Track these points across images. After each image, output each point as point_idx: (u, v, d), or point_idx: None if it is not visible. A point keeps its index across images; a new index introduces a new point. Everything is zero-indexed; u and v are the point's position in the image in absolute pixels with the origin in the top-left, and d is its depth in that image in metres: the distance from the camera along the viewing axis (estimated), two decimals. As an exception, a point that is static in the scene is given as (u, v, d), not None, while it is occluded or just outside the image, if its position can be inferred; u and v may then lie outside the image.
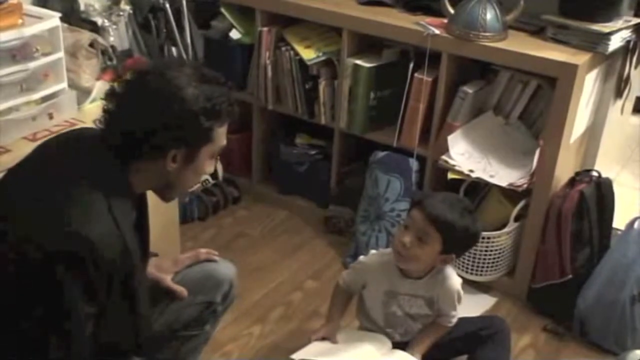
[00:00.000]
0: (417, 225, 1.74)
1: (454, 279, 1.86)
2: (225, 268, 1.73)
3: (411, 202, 1.83)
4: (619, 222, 2.27)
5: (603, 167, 2.44)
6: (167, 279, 1.66)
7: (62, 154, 1.38)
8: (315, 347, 1.84)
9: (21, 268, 1.24)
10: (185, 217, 2.64)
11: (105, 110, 1.36)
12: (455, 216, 1.73)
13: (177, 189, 1.46)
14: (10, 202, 1.32)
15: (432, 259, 1.78)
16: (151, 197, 1.50)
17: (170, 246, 2.28)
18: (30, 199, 1.29)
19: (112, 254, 1.25)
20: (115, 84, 1.37)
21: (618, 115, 2.55)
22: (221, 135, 1.41)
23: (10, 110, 1.95)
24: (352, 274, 1.95)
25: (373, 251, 1.98)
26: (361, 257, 1.97)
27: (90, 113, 2.07)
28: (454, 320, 1.91)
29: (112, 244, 1.25)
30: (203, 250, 1.74)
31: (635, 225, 2.17)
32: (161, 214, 2.12)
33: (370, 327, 1.94)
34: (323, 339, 1.87)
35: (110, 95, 1.36)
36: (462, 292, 1.87)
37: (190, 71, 1.35)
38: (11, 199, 1.33)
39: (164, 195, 1.46)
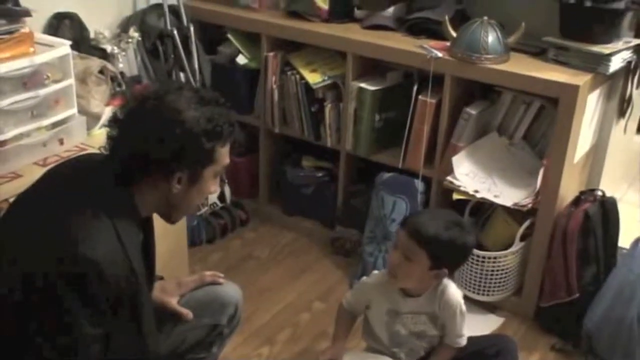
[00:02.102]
0: (403, 244, 1.75)
1: (453, 292, 1.85)
2: (230, 290, 1.74)
3: (400, 222, 1.84)
4: (626, 240, 2.27)
5: (608, 186, 2.45)
6: (173, 302, 1.66)
7: (68, 180, 1.40)
8: None
9: (28, 295, 1.25)
10: (193, 240, 2.67)
11: (109, 137, 1.39)
12: (439, 230, 1.71)
13: (182, 210, 1.47)
14: (17, 231, 1.34)
15: (423, 275, 1.77)
16: (159, 221, 1.52)
17: (178, 269, 2.30)
18: (37, 227, 1.30)
19: (119, 275, 1.27)
20: (118, 110, 1.40)
21: (621, 134, 2.57)
22: (224, 155, 1.43)
23: (21, 136, 1.98)
24: (355, 294, 1.96)
25: (375, 272, 1.99)
26: (364, 278, 1.98)
27: (100, 138, 2.10)
28: (463, 341, 1.90)
29: (119, 266, 1.27)
30: (208, 273, 1.75)
31: (641, 243, 2.18)
32: (170, 237, 2.15)
33: (376, 347, 1.94)
34: None
35: (113, 122, 1.39)
36: (464, 305, 1.86)
37: (189, 94, 1.37)
38: (18, 228, 1.34)
39: (170, 216, 1.47)
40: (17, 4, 2.04)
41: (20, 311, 1.27)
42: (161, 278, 1.70)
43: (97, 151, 1.63)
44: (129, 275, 1.29)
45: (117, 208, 1.33)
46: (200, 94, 1.38)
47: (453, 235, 1.73)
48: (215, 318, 1.70)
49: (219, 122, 1.36)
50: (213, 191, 1.48)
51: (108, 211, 1.30)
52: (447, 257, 1.76)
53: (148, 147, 1.32)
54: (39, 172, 1.95)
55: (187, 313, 1.66)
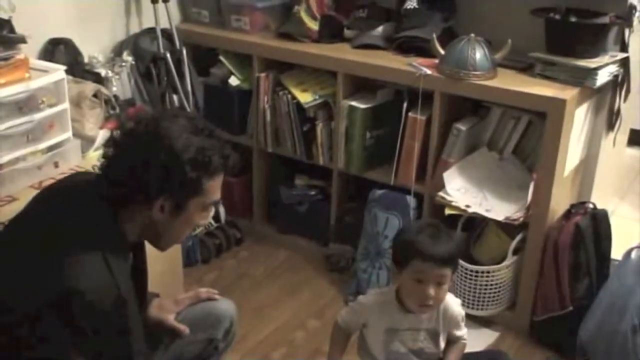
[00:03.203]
0: (433, 275, 1.73)
1: (453, 301, 1.88)
2: (225, 305, 1.76)
3: (404, 254, 1.78)
4: (619, 253, 2.28)
5: (600, 199, 2.47)
6: (170, 318, 1.68)
7: (56, 206, 1.40)
8: None
9: (13, 330, 1.24)
10: (188, 260, 2.68)
11: (104, 156, 1.40)
12: (451, 245, 1.74)
13: (169, 239, 1.46)
14: (3, 267, 1.32)
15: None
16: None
17: (174, 289, 2.31)
18: (24, 259, 1.30)
19: (106, 303, 1.25)
20: (113, 131, 1.40)
21: (611, 147, 2.60)
22: (213, 189, 1.40)
23: (17, 160, 2.00)
24: (350, 314, 1.95)
25: (371, 290, 1.99)
26: (360, 297, 1.98)
27: (94, 161, 2.12)
28: (466, 336, 1.92)
29: (106, 293, 1.26)
30: (203, 290, 1.77)
31: (633, 254, 2.19)
32: (165, 258, 2.14)
33: (372, 365, 1.94)
34: None
35: (108, 142, 1.40)
36: (463, 311, 1.89)
37: (184, 122, 1.36)
38: (4, 264, 1.33)
39: (156, 244, 1.47)
40: (12, 31, 2.08)
41: (7, 347, 1.26)
42: (157, 295, 1.72)
43: (90, 170, 1.64)
44: (117, 302, 1.28)
45: (105, 234, 1.33)
46: (195, 123, 1.37)
47: (451, 235, 1.79)
48: (211, 332, 1.72)
49: (209, 153, 1.34)
50: (202, 224, 1.46)
51: (96, 238, 1.30)
52: (458, 263, 1.82)
53: (133, 170, 1.31)
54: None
55: (184, 329, 1.67)
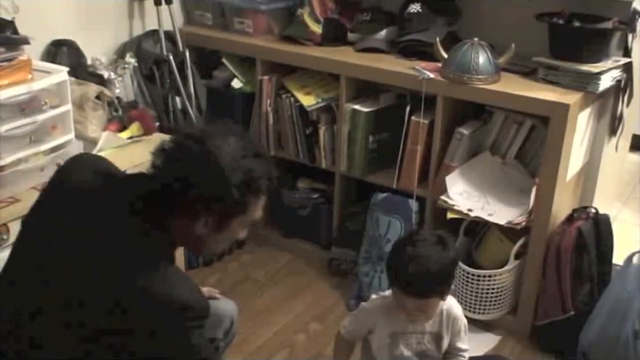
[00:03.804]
0: (414, 305, 1.74)
1: (457, 306, 1.88)
2: (226, 305, 1.78)
3: (388, 276, 1.80)
4: (621, 258, 2.28)
5: (602, 204, 2.47)
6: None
7: (102, 207, 1.37)
8: None
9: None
10: (191, 263, 2.68)
11: (152, 165, 1.38)
12: (432, 269, 1.68)
13: (207, 249, 1.48)
14: (73, 270, 1.32)
15: (438, 308, 1.81)
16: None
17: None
18: (97, 262, 1.30)
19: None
20: (165, 142, 1.39)
21: (613, 153, 2.60)
22: (257, 208, 1.41)
23: (19, 161, 2.00)
24: (354, 322, 1.94)
25: (373, 296, 1.98)
26: (362, 304, 1.97)
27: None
28: (467, 355, 1.91)
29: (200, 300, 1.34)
30: (205, 289, 1.77)
31: (634, 259, 2.19)
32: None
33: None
34: None
35: (158, 152, 1.38)
36: (465, 320, 1.90)
37: (234, 142, 1.35)
38: (73, 266, 1.32)
39: (194, 251, 1.49)
40: (15, 32, 2.08)
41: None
42: None
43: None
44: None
45: (163, 243, 1.36)
46: (244, 144, 1.37)
47: (444, 261, 1.71)
48: (211, 332, 1.71)
49: (256, 175, 1.35)
50: (240, 238, 1.48)
51: (159, 248, 1.35)
52: (450, 282, 1.77)
53: (181, 186, 1.31)
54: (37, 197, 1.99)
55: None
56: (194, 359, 1.35)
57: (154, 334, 1.28)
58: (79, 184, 1.42)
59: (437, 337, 1.88)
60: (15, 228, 1.92)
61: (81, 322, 1.28)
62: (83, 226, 1.34)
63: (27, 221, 1.47)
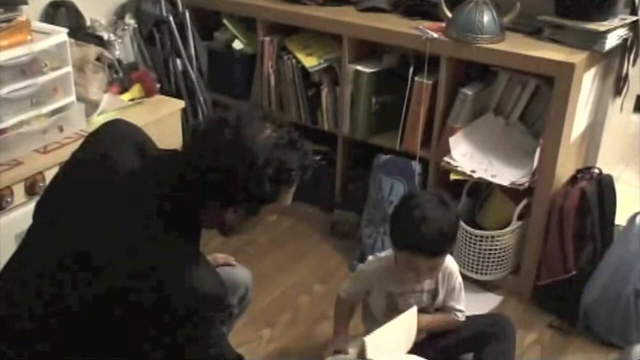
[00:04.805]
0: (424, 265, 1.77)
1: (453, 263, 1.92)
2: (242, 272, 1.80)
3: (395, 240, 1.81)
4: (624, 219, 2.28)
5: (605, 165, 2.46)
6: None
7: (132, 183, 1.35)
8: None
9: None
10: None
11: (184, 145, 1.36)
12: (444, 229, 1.72)
13: (234, 232, 1.47)
14: (103, 247, 1.29)
15: None
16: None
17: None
18: (127, 244, 1.28)
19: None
20: (201, 122, 1.37)
21: (618, 113, 2.58)
22: (287, 196, 1.40)
23: (21, 124, 1.99)
24: (353, 284, 1.97)
25: (370, 257, 2.00)
26: (360, 266, 2.00)
27: (98, 125, 2.12)
28: (462, 316, 1.94)
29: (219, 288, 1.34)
30: (220, 255, 1.80)
31: (637, 220, 2.19)
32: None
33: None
34: (335, 352, 1.87)
35: (193, 135, 1.35)
36: (460, 277, 1.93)
37: (269, 131, 1.32)
38: (104, 244, 1.29)
39: (222, 233, 1.47)
40: (13, -8, 2.05)
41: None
42: None
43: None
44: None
45: (190, 230, 1.35)
46: (281, 133, 1.33)
47: (451, 220, 1.76)
48: (226, 298, 1.73)
49: (291, 167, 1.32)
50: (269, 221, 1.47)
51: (189, 234, 1.33)
52: (456, 239, 1.82)
53: (213, 177, 1.29)
54: (39, 160, 1.99)
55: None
56: (203, 349, 1.34)
57: (167, 316, 1.26)
58: (111, 155, 1.39)
59: (434, 294, 1.90)
60: (18, 191, 1.93)
61: (96, 285, 1.26)
62: (111, 201, 1.32)
63: (55, 183, 1.45)
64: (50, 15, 2.36)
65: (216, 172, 1.29)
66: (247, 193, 1.31)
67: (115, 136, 1.45)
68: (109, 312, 1.24)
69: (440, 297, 1.92)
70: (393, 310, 1.90)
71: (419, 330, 1.89)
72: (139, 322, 1.25)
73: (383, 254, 1.96)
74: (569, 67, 2.09)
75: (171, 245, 1.28)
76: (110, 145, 1.42)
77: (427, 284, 1.89)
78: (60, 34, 2.05)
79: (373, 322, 1.96)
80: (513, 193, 2.32)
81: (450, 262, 1.90)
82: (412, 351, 1.86)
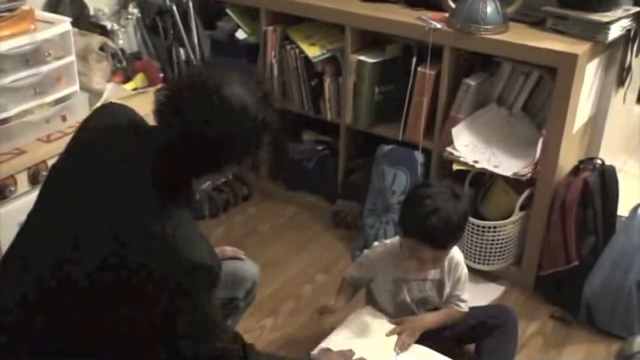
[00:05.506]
0: (430, 255, 1.78)
1: (459, 253, 1.92)
2: (249, 267, 1.80)
3: (403, 226, 1.82)
4: (626, 210, 2.28)
5: (608, 156, 2.46)
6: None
7: (125, 161, 1.35)
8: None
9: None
10: (196, 214, 2.69)
11: (158, 109, 1.34)
12: (452, 221, 1.73)
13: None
14: (102, 222, 1.31)
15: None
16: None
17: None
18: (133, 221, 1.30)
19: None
20: (166, 87, 1.35)
21: (621, 104, 2.58)
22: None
23: (25, 113, 2.00)
24: (359, 269, 1.98)
25: (376, 243, 2.01)
26: (366, 251, 2.01)
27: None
28: (466, 307, 1.94)
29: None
30: (229, 248, 1.80)
31: (639, 211, 2.20)
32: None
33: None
34: (321, 307, 1.92)
35: (171, 102, 1.33)
36: (466, 268, 1.94)
37: (244, 87, 1.32)
38: (104, 219, 1.31)
39: None
40: (16, -19, 2.05)
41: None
42: None
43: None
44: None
45: (185, 199, 1.37)
46: (263, 91, 1.36)
47: (461, 214, 1.76)
48: (233, 292, 1.74)
49: (270, 127, 1.37)
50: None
51: (181, 205, 1.35)
52: (464, 232, 1.84)
53: (206, 146, 1.29)
54: (43, 149, 2.00)
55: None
56: (193, 317, 1.36)
57: (157, 285, 1.28)
58: (107, 136, 1.40)
59: (439, 284, 1.91)
60: (22, 179, 1.93)
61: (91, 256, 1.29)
62: (105, 181, 1.34)
63: (55, 169, 1.47)
64: (53, 5, 2.36)
65: (210, 140, 1.29)
66: (246, 153, 1.35)
67: (109, 118, 1.46)
68: (106, 282, 1.28)
69: (447, 289, 1.92)
70: (396, 297, 1.91)
71: (425, 331, 1.90)
72: (131, 291, 1.28)
73: (388, 240, 1.97)
74: (572, 58, 2.08)
75: (164, 216, 1.29)
76: (105, 127, 1.43)
77: (432, 273, 1.89)
78: (63, 23, 2.05)
79: (378, 309, 1.97)
80: (515, 184, 2.32)
81: (456, 253, 1.90)
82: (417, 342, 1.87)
